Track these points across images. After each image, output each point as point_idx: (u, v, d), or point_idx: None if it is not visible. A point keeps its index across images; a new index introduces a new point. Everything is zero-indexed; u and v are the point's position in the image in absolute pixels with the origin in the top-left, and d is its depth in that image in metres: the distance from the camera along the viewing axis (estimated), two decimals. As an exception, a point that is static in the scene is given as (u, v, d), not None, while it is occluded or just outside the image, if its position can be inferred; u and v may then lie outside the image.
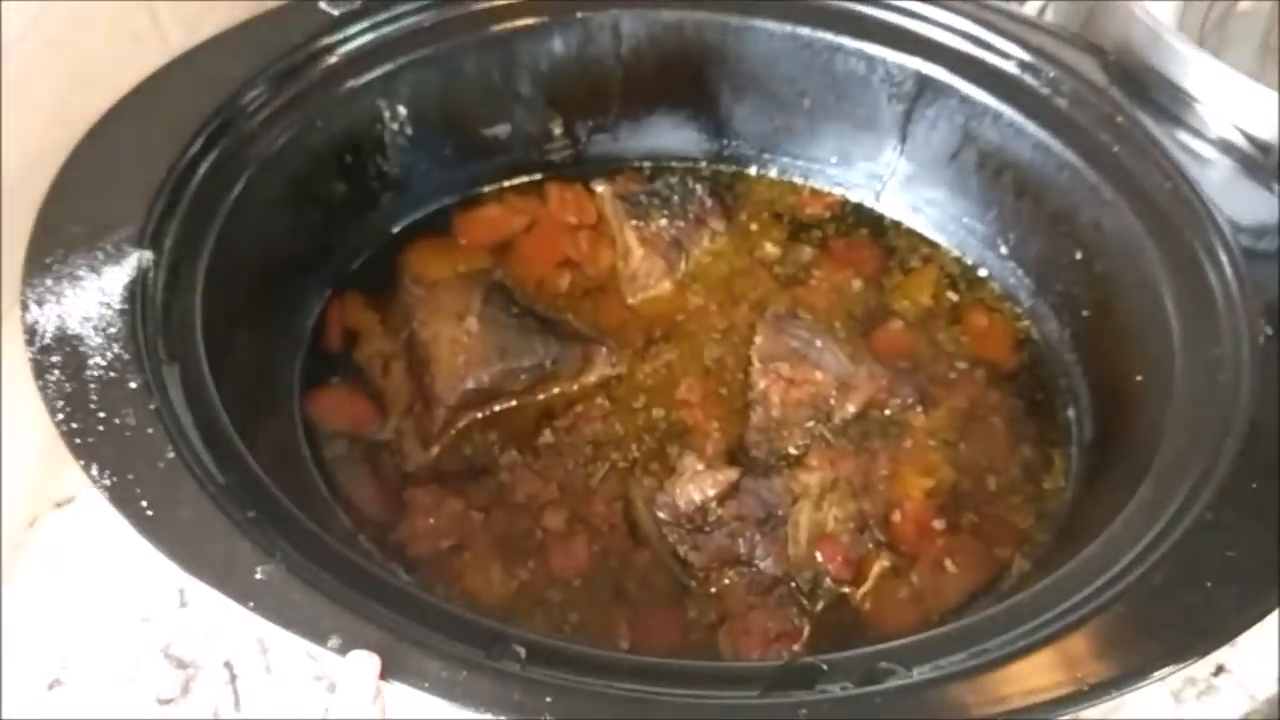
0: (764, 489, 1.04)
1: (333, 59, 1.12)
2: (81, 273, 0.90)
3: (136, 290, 0.90)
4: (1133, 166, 1.11)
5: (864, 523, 1.04)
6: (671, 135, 1.33)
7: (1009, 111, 1.17)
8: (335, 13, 1.13)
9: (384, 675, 0.72)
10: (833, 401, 1.10)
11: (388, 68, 1.14)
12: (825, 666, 0.77)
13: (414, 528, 1.02)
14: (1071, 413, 1.14)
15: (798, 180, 1.34)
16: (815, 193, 1.33)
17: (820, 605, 1.00)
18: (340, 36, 1.13)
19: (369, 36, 1.14)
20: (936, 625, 0.96)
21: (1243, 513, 0.84)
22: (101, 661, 0.97)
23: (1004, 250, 1.24)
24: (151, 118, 1.02)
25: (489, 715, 0.71)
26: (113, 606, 1.00)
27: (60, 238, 0.92)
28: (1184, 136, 1.11)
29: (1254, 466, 0.87)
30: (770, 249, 1.27)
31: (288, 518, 0.83)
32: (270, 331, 1.09)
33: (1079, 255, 1.15)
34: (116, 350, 0.86)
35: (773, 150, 1.33)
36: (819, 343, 1.13)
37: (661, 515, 1.03)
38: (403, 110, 1.17)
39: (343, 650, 0.72)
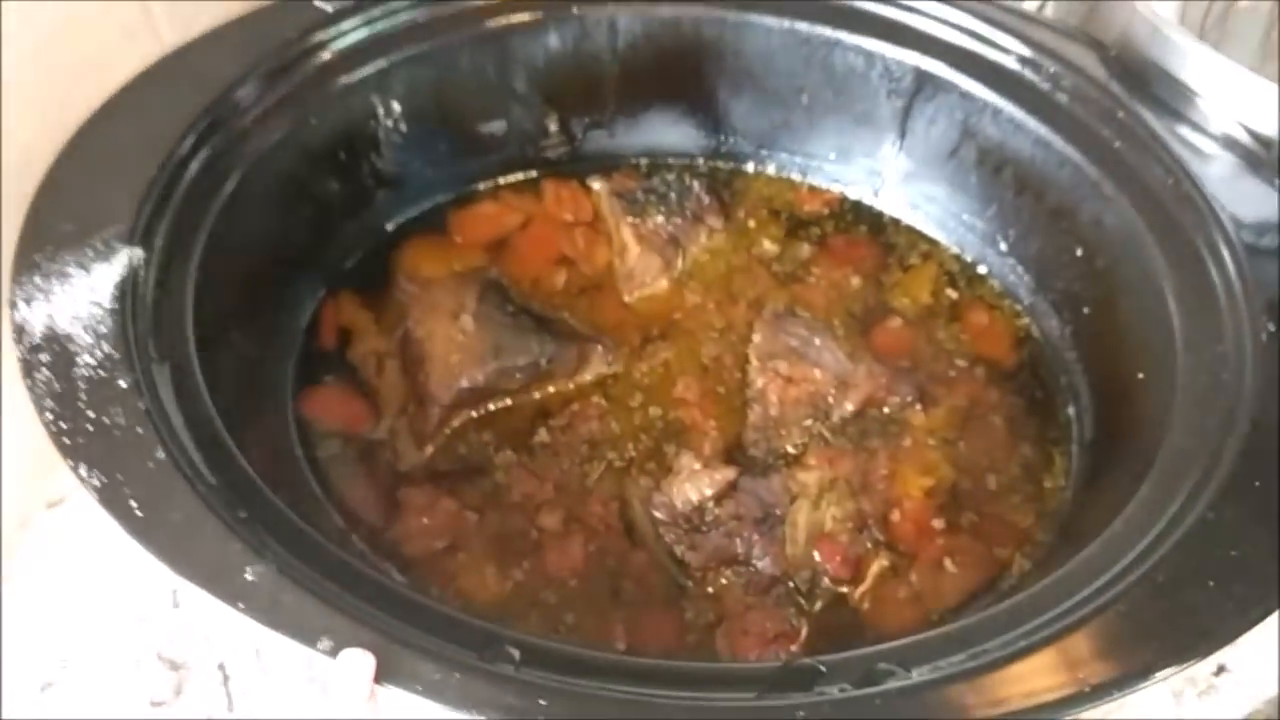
0: (762, 488, 1.04)
1: (326, 55, 1.11)
2: (71, 270, 0.89)
3: (127, 288, 0.89)
4: (1134, 162, 1.10)
5: (863, 522, 1.03)
6: (668, 132, 1.32)
7: (1009, 107, 1.16)
8: (329, 9, 1.12)
9: (376, 677, 0.71)
10: (831, 400, 1.09)
11: (382, 64, 1.13)
12: (823, 668, 0.76)
13: (408, 528, 1.01)
14: (1072, 411, 1.13)
15: (796, 177, 1.33)
16: (813, 190, 1.32)
17: (818, 605, 0.99)
18: (334, 32, 1.12)
19: (363, 32, 1.13)
20: (936, 625, 0.95)
21: (1245, 512, 0.84)
22: (94, 663, 0.96)
23: (1004, 247, 1.23)
24: (143, 115, 1.01)
25: (482, 718, 0.70)
26: (105, 608, 0.99)
27: (50, 235, 0.91)
28: (1185, 132, 1.11)
29: (1256, 465, 0.86)
30: (768, 246, 1.26)
31: (279, 518, 0.82)
32: (263, 330, 1.08)
33: (1080, 252, 1.14)
34: (106, 349, 0.85)
35: (771, 147, 1.33)
36: (817, 341, 1.12)
37: (658, 515, 1.02)
38: (397, 107, 1.16)
39: (333, 652, 0.71)
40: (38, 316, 0.86)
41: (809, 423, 1.09)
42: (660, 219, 1.23)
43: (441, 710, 0.71)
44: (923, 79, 1.20)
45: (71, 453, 0.79)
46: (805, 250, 1.26)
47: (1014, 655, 0.76)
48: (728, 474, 1.02)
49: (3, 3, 0.93)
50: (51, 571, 1.01)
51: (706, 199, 1.26)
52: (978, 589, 1.00)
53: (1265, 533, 0.82)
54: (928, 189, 1.27)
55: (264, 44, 1.08)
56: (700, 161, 1.34)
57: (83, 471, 0.78)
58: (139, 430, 0.81)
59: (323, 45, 1.11)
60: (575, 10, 1.19)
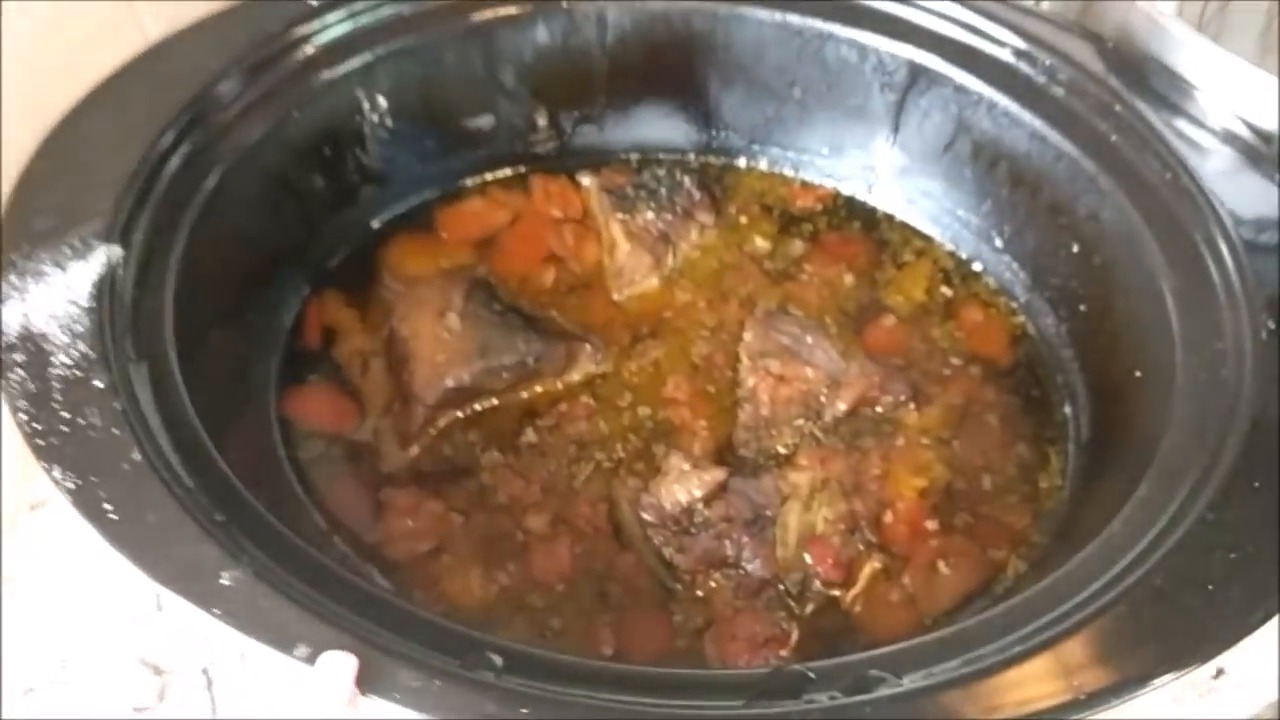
0: (752, 489, 1.02)
1: (310, 49, 1.10)
2: (47, 268, 0.88)
3: (105, 287, 0.88)
4: (1131, 157, 1.09)
5: (855, 524, 1.02)
6: (659, 126, 1.30)
7: (1004, 101, 1.15)
8: (313, 2, 1.11)
9: (357, 681, 0.69)
10: (823, 399, 1.08)
11: (367, 58, 1.12)
12: (813, 674, 0.75)
13: (392, 530, 0.99)
14: (1068, 410, 1.12)
15: (788, 172, 1.32)
16: (806, 185, 1.31)
17: (809, 608, 0.98)
18: (318, 26, 1.10)
19: (347, 26, 1.12)
20: (929, 629, 0.95)
21: (1245, 513, 0.82)
22: (76, 668, 0.95)
23: (999, 243, 1.22)
24: (122, 110, 0.99)
25: (463, 727, 0.69)
26: (88, 611, 0.97)
27: (26, 232, 0.89)
28: (1184, 126, 1.09)
29: (1256, 465, 0.85)
30: (760, 243, 1.25)
31: (257, 521, 0.81)
32: (246, 329, 1.07)
33: (1076, 248, 1.13)
34: (82, 348, 0.84)
35: (763, 141, 1.31)
36: (809, 339, 1.11)
37: (646, 517, 1.00)
38: (382, 102, 1.15)
39: (311, 659, 0.70)
40: (13, 315, 0.84)
41: (800, 422, 1.08)
42: (650, 215, 1.22)
43: (422, 718, 0.69)
44: (916, 72, 1.19)
45: (45, 454, 0.77)
46: (798, 247, 1.25)
47: (1008, 661, 0.74)
48: (717, 475, 1.01)
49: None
50: (34, 575, 0.99)
51: (697, 195, 1.25)
52: (972, 591, 0.99)
53: (1265, 535, 0.81)
54: (922, 184, 1.26)
55: (246, 38, 1.07)
56: (691, 157, 1.32)
57: (56, 474, 0.76)
58: (115, 431, 0.80)
59: (306, 39, 1.10)
60: (564, 3, 1.18)
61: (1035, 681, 0.73)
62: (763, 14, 1.20)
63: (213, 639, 0.96)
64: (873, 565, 1.00)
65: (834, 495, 1.02)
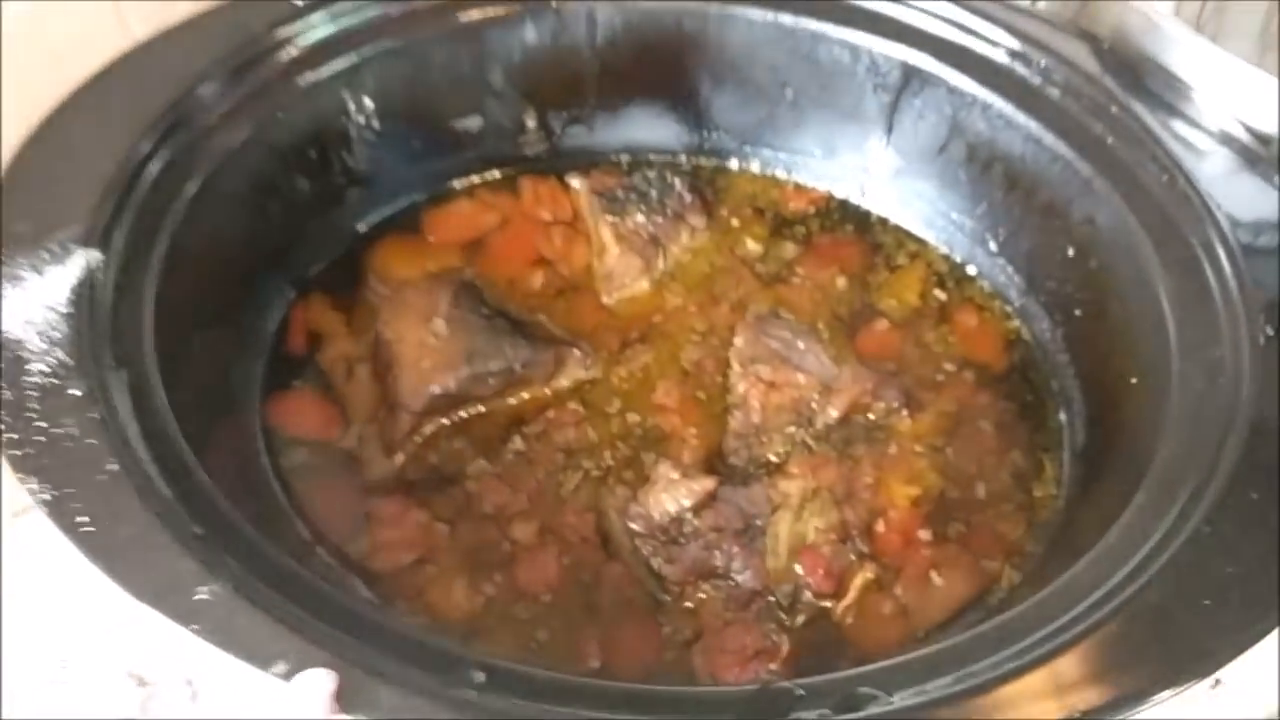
0: (742, 498, 1.01)
1: (295, 50, 1.09)
2: (24, 273, 0.86)
3: (83, 292, 0.87)
4: (1127, 159, 1.08)
5: (846, 533, 1.00)
6: (650, 127, 1.29)
7: (998, 102, 1.14)
8: (298, 2, 1.09)
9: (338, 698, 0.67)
10: (815, 406, 1.06)
11: (352, 59, 1.11)
12: (801, 691, 0.74)
13: (376, 540, 0.98)
14: (1063, 416, 1.10)
15: (781, 174, 1.30)
16: (799, 187, 1.30)
17: (800, 620, 0.97)
18: (303, 26, 1.09)
19: (332, 27, 1.10)
20: (921, 641, 0.94)
21: (1242, 525, 0.81)
22: (60, 678, 0.94)
23: (994, 247, 1.21)
24: (103, 112, 0.98)
25: (443, 746, 0.68)
26: (71, 620, 0.96)
27: (3, 236, 0.88)
28: (1181, 127, 1.08)
29: (1254, 475, 0.84)
30: (752, 246, 1.23)
31: (237, 534, 0.79)
32: (229, 334, 1.06)
33: (1071, 252, 1.12)
34: (59, 356, 0.82)
35: (755, 143, 1.30)
36: (801, 344, 1.09)
37: (635, 527, 0.99)
38: (369, 103, 1.13)
39: (288, 676, 0.69)
40: (-12, 321, 0.83)
41: (792, 430, 1.06)
42: (641, 218, 1.20)
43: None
44: (910, 73, 1.17)
45: (20, 464, 0.76)
46: (790, 250, 1.23)
47: (1001, 678, 0.73)
48: (706, 484, 0.99)
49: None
50: (17, 583, 0.98)
51: (688, 197, 1.23)
52: (965, 603, 0.98)
53: (1263, 547, 0.80)
54: (916, 186, 1.25)
55: (230, 39, 1.05)
56: (683, 158, 1.31)
57: (32, 484, 0.75)
58: (91, 441, 0.78)
59: (290, 40, 1.08)
60: (552, 3, 1.17)
61: (1029, 700, 0.72)
62: (754, 14, 1.18)
63: (199, 649, 0.95)
64: (864, 576, 0.98)
65: (825, 504, 1.01)
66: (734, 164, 1.31)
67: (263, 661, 0.69)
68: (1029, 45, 1.15)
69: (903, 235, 1.26)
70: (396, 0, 1.13)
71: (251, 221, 1.08)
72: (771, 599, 0.97)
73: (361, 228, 1.20)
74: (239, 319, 1.08)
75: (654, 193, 1.22)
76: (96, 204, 0.91)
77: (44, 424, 0.78)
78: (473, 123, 1.22)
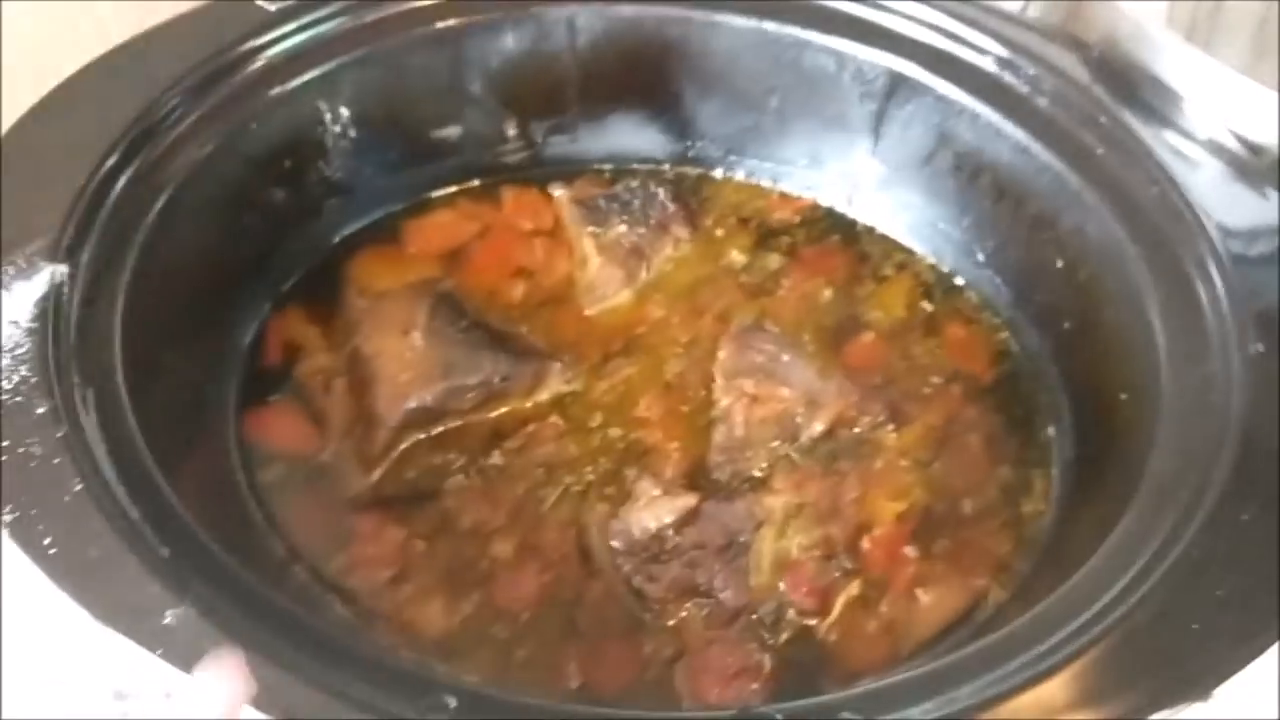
0: (726, 514, 0.99)
1: (268, 58, 1.07)
2: (-13, 288, 0.85)
3: (49, 307, 0.85)
4: (1117, 170, 1.06)
5: (831, 550, 0.99)
6: (633, 136, 1.27)
7: (986, 111, 1.13)
8: (271, 8, 1.08)
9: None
10: (799, 420, 1.05)
11: (328, 67, 1.09)
12: (780, 716, 0.72)
13: (353, 557, 0.96)
14: (1053, 431, 1.08)
15: (766, 183, 1.28)
16: (784, 196, 1.28)
17: (783, 638, 0.95)
18: (277, 34, 1.07)
19: (307, 34, 1.09)
20: (906, 661, 0.92)
21: (1233, 547, 0.79)
22: (35, 692, 0.92)
23: (981, 258, 1.19)
24: (69, 122, 0.97)
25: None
26: (46, 634, 0.95)
27: (-35, 251, 0.86)
28: (1172, 137, 1.07)
29: (1245, 495, 0.82)
30: (736, 256, 1.22)
31: (206, 555, 0.77)
32: (203, 349, 1.04)
33: (1060, 263, 1.10)
34: (23, 373, 0.81)
35: (740, 151, 1.28)
36: (786, 357, 1.07)
37: (615, 544, 0.97)
38: (345, 112, 1.12)
39: (254, 701, 0.67)
40: (-51, 338, 0.82)
41: (776, 444, 1.04)
42: (623, 228, 1.19)
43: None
44: (896, 81, 1.16)
45: (-19, 484, 0.74)
46: (775, 261, 1.22)
47: (987, 702, 0.71)
48: (688, 501, 0.98)
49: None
50: (15, 583, 0.96)
51: (672, 207, 1.22)
52: (952, 620, 0.96)
53: (1254, 569, 0.78)
54: (903, 196, 1.23)
55: (201, 46, 1.04)
56: (666, 167, 1.29)
57: (-5, 504, 0.73)
58: (55, 461, 0.77)
59: (264, 47, 1.07)
60: (531, 9, 1.15)
61: (1015, 726, 0.70)
62: (737, 21, 1.17)
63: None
64: (849, 593, 0.96)
65: (810, 520, 0.99)
66: (718, 173, 1.30)
67: (229, 688, 0.67)
68: (1017, 53, 1.13)
69: (890, 245, 1.24)
70: (372, 4, 1.12)
71: (225, 233, 1.06)
72: (754, 617, 0.95)
73: (339, 238, 1.18)
74: (213, 333, 1.06)
75: (637, 202, 1.21)
76: (63, 216, 0.90)
77: (7, 442, 0.77)
78: (452, 131, 1.20)
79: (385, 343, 1.05)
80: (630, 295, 1.18)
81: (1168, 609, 0.76)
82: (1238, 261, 0.96)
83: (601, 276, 1.17)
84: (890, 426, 1.06)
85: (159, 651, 0.69)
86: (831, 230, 1.26)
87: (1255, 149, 1.04)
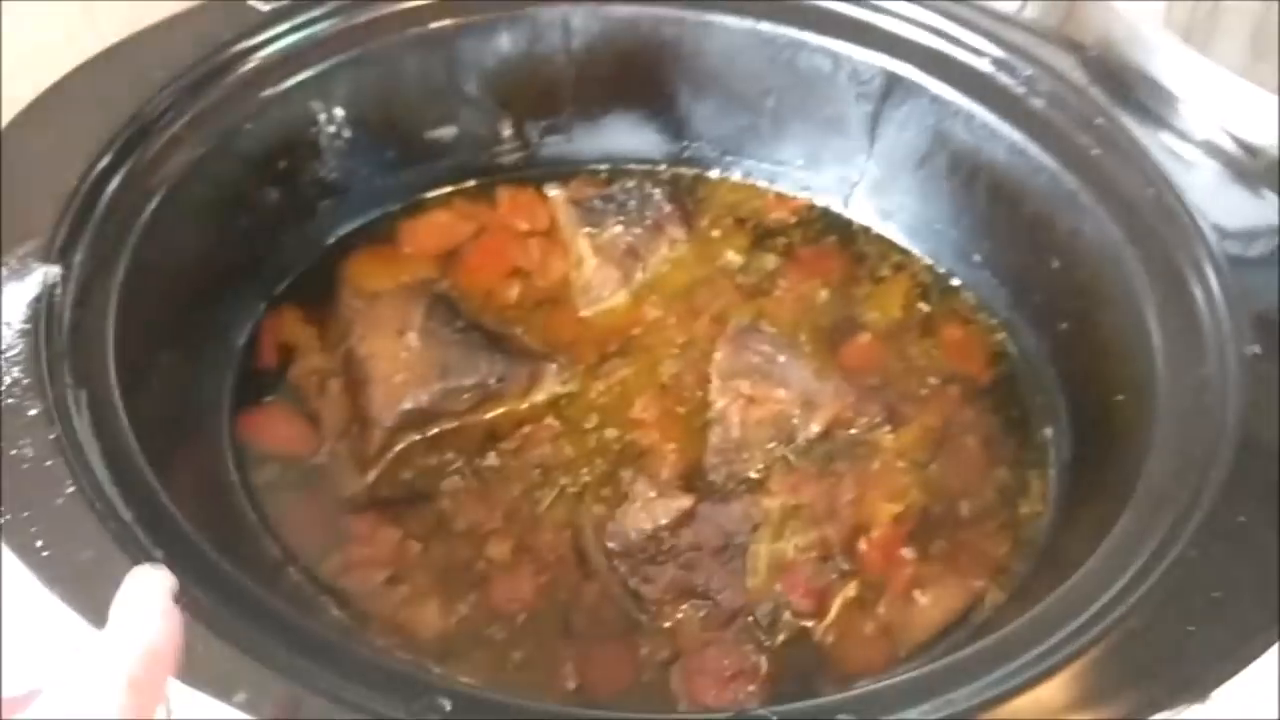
0: (722, 515, 0.99)
1: (262, 58, 1.07)
2: (-20, 290, 0.84)
3: (41, 309, 0.85)
4: (1114, 171, 1.06)
5: (828, 551, 0.98)
6: (629, 136, 1.27)
7: (982, 112, 1.12)
8: (265, 8, 1.07)
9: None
10: (796, 421, 1.04)
11: (322, 67, 1.08)
12: (776, 718, 0.72)
13: (347, 558, 0.96)
14: (1049, 432, 1.08)
15: (762, 184, 1.28)
16: (781, 197, 1.28)
17: (780, 640, 0.95)
18: (271, 34, 1.07)
19: (302, 34, 1.08)
20: (903, 663, 0.92)
21: (1229, 548, 0.79)
22: (28, 694, 0.91)
23: (978, 259, 1.19)
24: (62, 122, 0.97)
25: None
26: (40, 635, 0.94)
27: (-41, 252, 0.86)
28: (1168, 139, 1.07)
29: (1242, 497, 0.82)
30: (733, 257, 1.22)
31: (199, 557, 0.77)
32: (197, 350, 1.04)
33: (1057, 264, 1.10)
34: (16, 374, 0.80)
35: (736, 152, 1.28)
36: (782, 358, 1.07)
37: (612, 545, 0.97)
38: (339, 112, 1.11)
39: (247, 706, 0.66)
40: (-58, 340, 0.81)
41: (772, 445, 1.04)
42: (619, 229, 1.18)
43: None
44: (892, 82, 1.16)
45: (-27, 487, 0.74)
46: (771, 261, 1.21)
47: (984, 705, 0.71)
48: (684, 502, 0.98)
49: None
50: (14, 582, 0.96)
51: (668, 207, 1.21)
52: (949, 622, 0.96)
53: (1250, 571, 0.78)
54: (899, 197, 1.23)
55: (195, 47, 1.03)
56: (662, 168, 1.29)
57: (-13, 506, 0.73)
58: (48, 462, 0.76)
59: (258, 48, 1.06)
60: (526, 9, 1.15)
61: (1011, 728, 0.70)
62: (732, 21, 1.17)
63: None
64: (846, 595, 0.96)
65: (806, 522, 0.99)
66: (714, 173, 1.29)
67: (223, 692, 0.67)
68: (1013, 54, 1.13)
69: (886, 246, 1.24)
70: (366, 5, 1.11)
71: (219, 234, 1.06)
72: (751, 619, 0.95)
73: (334, 239, 1.18)
74: (207, 334, 1.06)
75: (633, 203, 1.20)
76: (56, 217, 0.89)
77: (-1, 445, 0.76)
78: (447, 132, 1.20)
79: (380, 344, 1.04)
80: (626, 296, 1.18)
81: (1166, 610, 0.76)
82: (1234, 263, 0.96)
83: (597, 277, 1.16)
84: (887, 428, 1.06)
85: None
86: (828, 231, 1.25)
87: (1252, 150, 1.04)
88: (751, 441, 1.04)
